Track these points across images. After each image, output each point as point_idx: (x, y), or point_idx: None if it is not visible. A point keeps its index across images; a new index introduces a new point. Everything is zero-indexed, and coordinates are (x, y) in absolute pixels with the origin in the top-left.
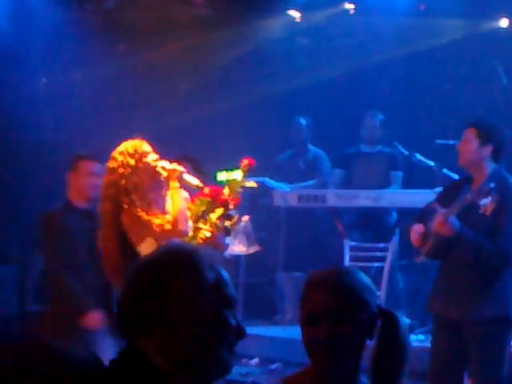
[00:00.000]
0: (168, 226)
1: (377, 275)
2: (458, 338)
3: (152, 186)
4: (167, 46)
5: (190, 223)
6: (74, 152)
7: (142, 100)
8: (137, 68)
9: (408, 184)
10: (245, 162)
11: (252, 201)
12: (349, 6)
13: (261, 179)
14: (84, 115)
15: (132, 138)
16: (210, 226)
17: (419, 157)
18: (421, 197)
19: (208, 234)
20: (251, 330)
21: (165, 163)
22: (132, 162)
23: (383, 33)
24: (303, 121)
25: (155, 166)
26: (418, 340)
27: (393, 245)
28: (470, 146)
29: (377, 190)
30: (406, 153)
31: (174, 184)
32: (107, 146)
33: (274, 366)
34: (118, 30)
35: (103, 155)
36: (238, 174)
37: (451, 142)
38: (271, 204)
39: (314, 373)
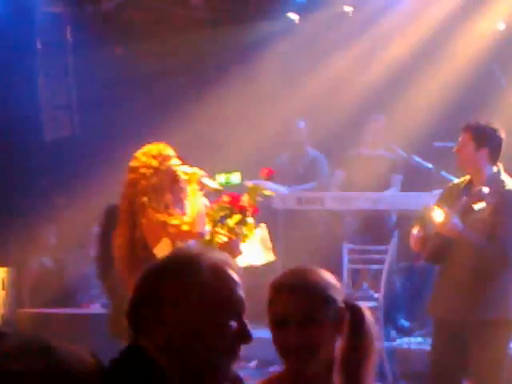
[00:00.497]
0: (185, 227)
1: (375, 278)
2: (458, 340)
3: (171, 188)
4: (165, 46)
5: (208, 227)
6: (72, 153)
7: (141, 100)
8: (135, 69)
9: (407, 186)
10: (264, 171)
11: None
12: (347, 9)
13: (259, 182)
14: (83, 116)
15: (157, 142)
16: (227, 231)
17: (418, 159)
18: (419, 199)
19: (225, 239)
20: None
21: (186, 168)
22: (155, 163)
23: (382, 35)
24: (302, 123)
25: (176, 170)
26: (417, 342)
27: (391, 247)
28: (466, 149)
29: (376, 192)
30: (405, 155)
31: (194, 187)
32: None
33: (272, 369)
34: (117, 32)
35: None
36: (236, 177)
37: (449, 144)
38: (270, 206)
39: (288, 374)
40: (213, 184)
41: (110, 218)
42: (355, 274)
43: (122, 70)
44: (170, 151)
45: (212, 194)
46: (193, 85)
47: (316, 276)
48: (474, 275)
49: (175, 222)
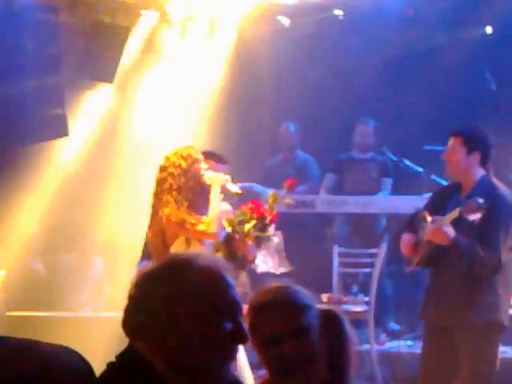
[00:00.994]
0: (201, 227)
1: (365, 281)
2: (449, 345)
3: (196, 191)
4: (157, 50)
5: (228, 229)
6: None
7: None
8: (128, 73)
9: (396, 190)
10: (288, 182)
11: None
12: (338, 12)
13: (249, 185)
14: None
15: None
16: (243, 236)
17: (407, 163)
18: (409, 202)
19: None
20: None
21: (211, 172)
22: (184, 164)
23: (372, 39)
24: (292, 126)
25: (203, 174)
26: (407, 346)
27: (382, 251)
28: (457, 155)
29: (366, 195)
30: (395, 159)
31: (216, 191)
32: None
33: (260, 373)
34: (108, 35)
35: (228, 157)
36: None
37: (439, 148)
38: None
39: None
40: (234, 188)
41: None
42: (345, 278)
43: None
44: (199, 155)
45: (238, 199)
46: (184, 88)
47: (290, 289)
48: (465, 280)
49: (192, 220)
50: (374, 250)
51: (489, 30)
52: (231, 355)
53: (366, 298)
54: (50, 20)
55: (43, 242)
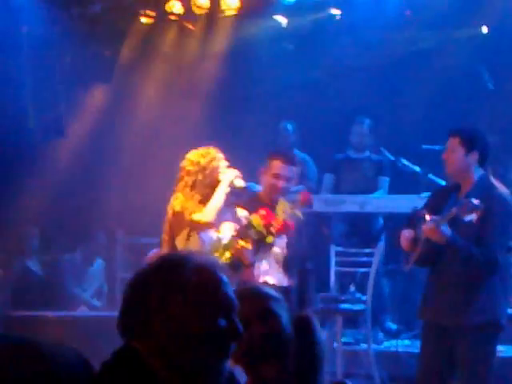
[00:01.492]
0: (197, 216)
1: (362, 280)
2: (447, 344)
3: (214, 186)
4: (153, 49)
5: (231, 232)
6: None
7: (129, 104)
8: (123, 72)
9: (394, 189)
10: (302, 196)
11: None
12: (335, 12)
13: (247, 184)
14: (71, 119)
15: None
16: (244, 240)
17: (405, 162)
18: (407, 202)
19: (240, 244)
20: None
21: (230, 170)
22: (202, 161)
23: (369, 38)
24: (290, 126)
25: (221, 172)
26: (404, 345)
27: (379, 250)
28: (455, 154)
29: (364, 195)
30: (392, 158)
31: (224, 183)
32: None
33: None
34: (103, 35)
35: (296, 157)
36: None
37: (437, 147)
38: None
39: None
40: (239, 183)
41: None
42: (342, 277)
43: (110, 74)
44: (218, 153)
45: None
46: (181, 87)
47: (258, 285)
48: (462, 279)
49: (192, 209)
50: (371, 250)
51: (485, 29)
52: (227, 352)
53: (364, 298)
54: (47, 20)
55: (41, 241)
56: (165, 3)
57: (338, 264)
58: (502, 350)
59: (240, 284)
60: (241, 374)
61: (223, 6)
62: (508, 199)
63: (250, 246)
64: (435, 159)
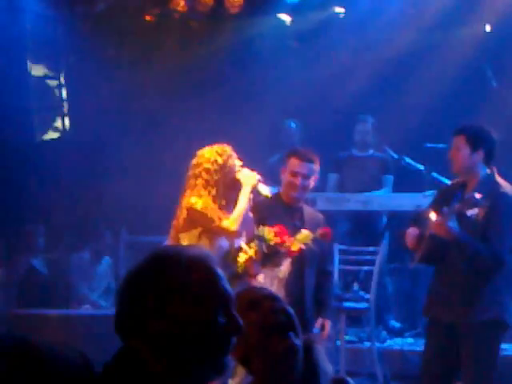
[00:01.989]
0: (225, 223)
1: (366, 278)
2: (451, 342)
3: (229, 187)
4: (157, 48)
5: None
6: (62, 154)
7: (133, 102)
8: (127, 71)
9: (397, 187)
10: (323, 232)
11: None
12: (339, 10)
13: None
14: (74, 118)
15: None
16: (254, 252)
17: (409, 160)
18: (410, 200)
19: (250, 254)
20: None
21: (246, 170)
22: (220, 160)
23: (373, 36)
24: (293, 124)
25: (237, 171)
26: (408, 343)
27: (382, 248)
28: (461, 153)
29: (368, 193)
30: (396, 156)
31: (247, 190)
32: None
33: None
34: (108, 34)
35: (316, 155)
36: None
37: (441, 145)
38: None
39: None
40: (265, 190)
41: (253, 213)
42: (346, 275)
43: (114, 73)
44: (232, 151)
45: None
46: (185, 85)
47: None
48: (467, 277)
49: (219, 215)
50: (374, 248)
51: (488, 27)
52: (228, 348)
53: (367, 296)
54: (51, 18)
55: (47, 240)
56: (169, 1)
57: (341, 262)
58: (507, 348)
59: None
60: None
61: (227, 4)
62: None
63: (256, 256)
64: (439, 157)
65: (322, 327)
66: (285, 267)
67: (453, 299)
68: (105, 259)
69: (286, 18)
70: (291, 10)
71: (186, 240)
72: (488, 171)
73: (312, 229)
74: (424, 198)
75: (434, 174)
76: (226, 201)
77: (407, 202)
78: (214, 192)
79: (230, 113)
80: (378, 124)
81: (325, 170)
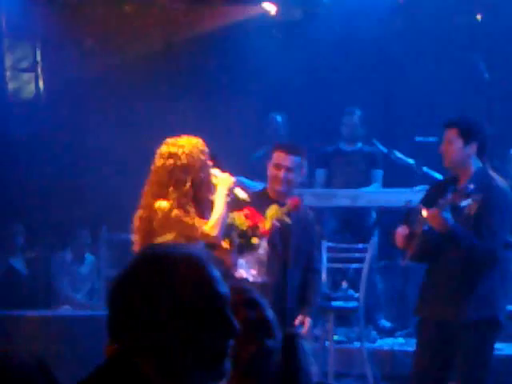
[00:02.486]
0: (205, 229)
1: (355, 277)
2: (443, 342)
3: (203, 188)
4: (137, 37)
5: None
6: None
7: (110, 95)
8: (105, 62)
9: (387, 183)
10: (293, 202)
11: None
12: (326, 0)
13: (236, 178)
14: (49, 111)
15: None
16: (228, 240)
17: (398, 154)
18: (400, 196)
19: (225, 246)
20: None
21: (218, 171)
22: (202, 157)
23: (361, 26)
24: (279, 118)
25: (210, 171)
26: (399, 343)
27: (372, 246)
28: (453, 146)
29: (356, 189)
30: (385, 150)
31: (222, 192)
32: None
33: None
34: (86, 25)
35: (302, 149)
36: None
37: (431, 138)
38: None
39: None
40: (242, 194)
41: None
42: (334, 274)
43: (90, 63)
44: (205, 147)
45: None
46: (163, 77)
47: None
48: (461, 274)
49: (195, 222)
50: (363, 245)
51: (479, 17)
52: (223, 353)
53: (356, 295)
54: (27, 8)
55: (26, 239)
56: None
57: (329, 260)
58: (501, 347)
59: None
60: None
61: None
62: (507, 191)
63: (230, 247)
64: (429, 151)
65: (303, 325)
66: (262, 249)
67: (445, 298)
68: (88, 258)
69: (270, 7)
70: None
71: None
72: (481, 165)
73: (300, 226)
74: (414, 194)
75: (425, 169)
76: (198, 204)
77: (397, 197)
78: (184, 193)
79: (212, 105)
80: (366, 116)
81: (312, 166)
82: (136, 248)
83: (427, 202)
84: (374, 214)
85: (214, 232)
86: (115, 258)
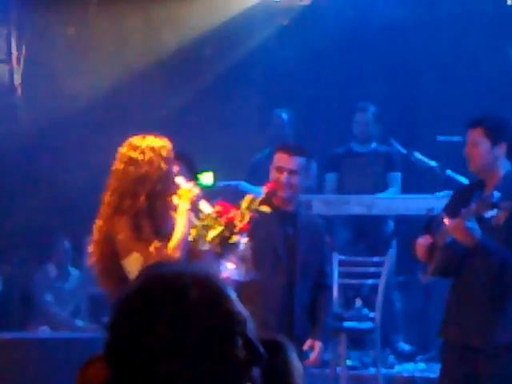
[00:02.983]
0: (166, 252)
1: (370, 294)
2: (470, 367)
3: (167, 202)
4: (128, 28)
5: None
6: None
7: (100, 87)
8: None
9: (406, 188)
10: (267, 187)
11: None
12: None
13: (235, 183)
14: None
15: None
16: (204, 243)
17: (419, 156)
18: (421, 203)
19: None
20: None
21: (181, 180)
22: (164, 166)
23: (377, 12)
24: (285, 115)
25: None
26: (420, 369)
27: (389, 259)
28: (480, 148)
29: (371, 194)
30: (404, 151)
31: (184, 206)
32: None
33: None
34: (68, 11)
35: (304, 150)
36: (207, 178)
37: (455, 138)
38: None
39: None
40: (207, 209)
41: None
42: (347, 290)
43: (73, 51)
44: (171, 150)
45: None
46: (154, 69)
47: None
48: (490, 292)
49: (156, 244)
50: (380, 258)
51: (510, 1)
52: (249, 381)
53: (372, 314)
54: None
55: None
56: None
57: (341, 275)
58: None
59: None
60: None
61: None
62: None
63: (210, 249)
64: (453, 152)
65: (312, 349)
66: (244, 245)
67: (474, 318)
68: (73, 273)
69: None
70: None
71: (130, 266)
72: (510, 167)
73: (308, 237)
74: (436, 200)
75: (449, 172)
76: (154, 219)
77: (417, 204)
78: (139, 207)
79: (210, 102)
80: (383, 113)
81: (320, 168)
82: (93, 260)
83: (451, 209)
84: (391, 224)
85: (177, 254)
86: None
